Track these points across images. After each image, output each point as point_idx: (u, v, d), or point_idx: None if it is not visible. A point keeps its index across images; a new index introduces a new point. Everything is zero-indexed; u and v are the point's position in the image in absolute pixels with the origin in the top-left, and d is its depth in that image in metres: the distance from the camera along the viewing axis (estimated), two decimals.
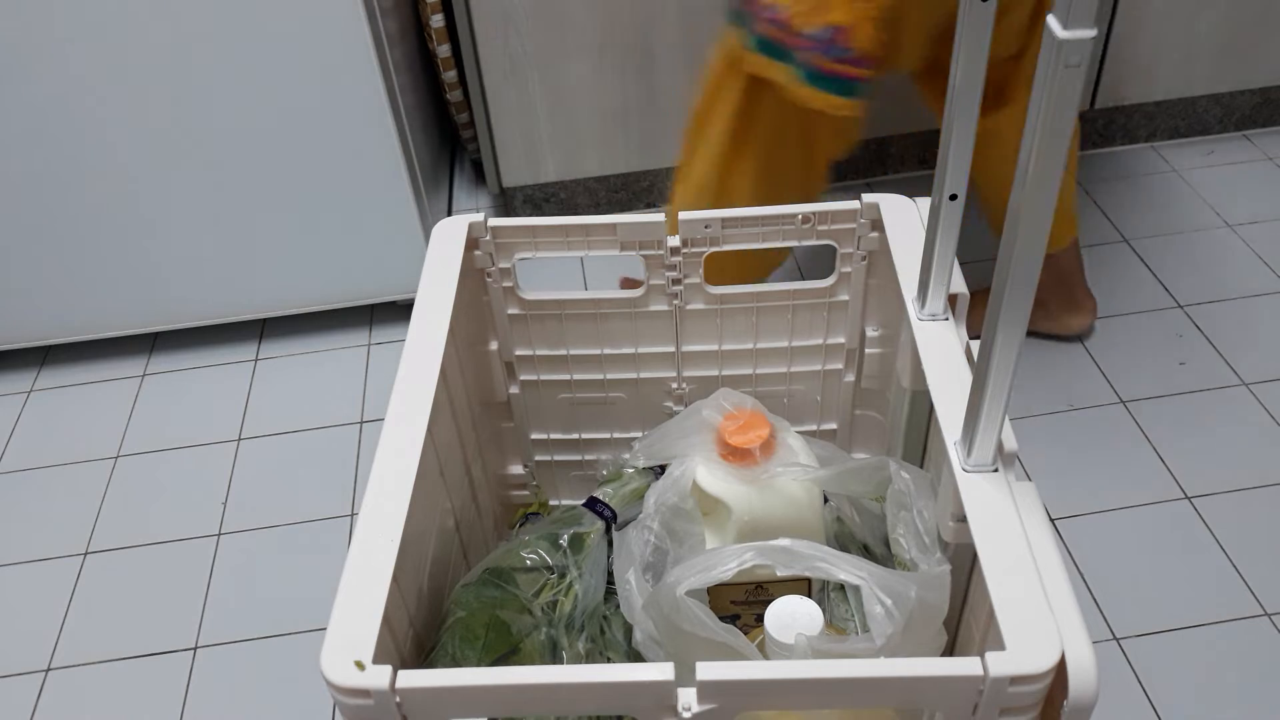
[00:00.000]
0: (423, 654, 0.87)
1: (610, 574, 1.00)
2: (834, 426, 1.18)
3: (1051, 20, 0.55)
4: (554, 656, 0.93)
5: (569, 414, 1.18)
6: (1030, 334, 0.91)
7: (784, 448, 0.99)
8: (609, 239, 1.05)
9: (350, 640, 0.69)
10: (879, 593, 0.78)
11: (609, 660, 0.96)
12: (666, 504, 0.97)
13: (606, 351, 1.13)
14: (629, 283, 1.43)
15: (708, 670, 0.65)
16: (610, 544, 1.02)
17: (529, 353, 1.13)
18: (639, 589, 0.93)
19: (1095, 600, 1.30)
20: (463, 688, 0.68)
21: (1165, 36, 1.93)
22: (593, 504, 1.05)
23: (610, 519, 1.03)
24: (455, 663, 0.86)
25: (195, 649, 1.37)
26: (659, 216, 1.04)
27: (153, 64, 1.51)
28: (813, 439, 1.06)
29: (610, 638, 0.98)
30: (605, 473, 1.13)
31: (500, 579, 0.95)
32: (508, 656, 0.89)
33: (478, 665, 0.86)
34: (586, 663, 0.93)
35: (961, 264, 0.91)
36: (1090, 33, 0.54)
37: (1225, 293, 1.71)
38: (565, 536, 1.00)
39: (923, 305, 0.92)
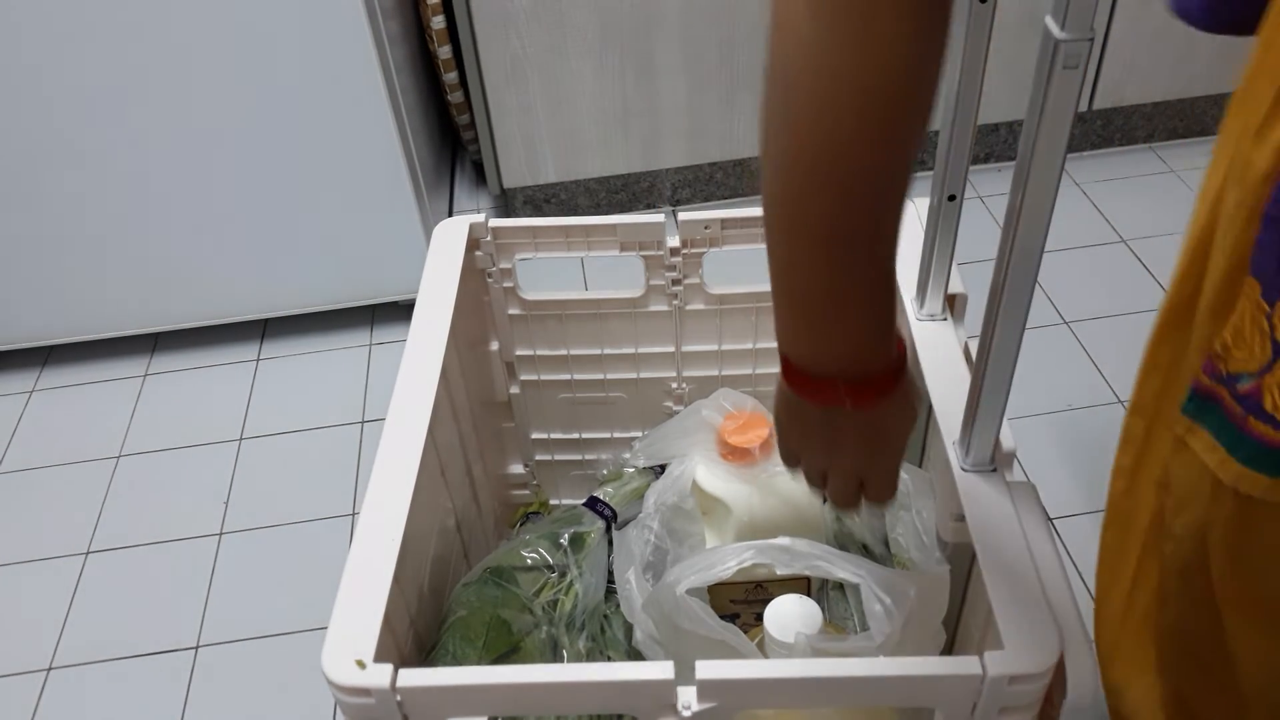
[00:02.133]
0: (423, 653, 0.87)
1: (611, 573, 1.01)
2: None
3: (1049, 21, 0.55)
4: (554, 655, 0.93)
5: (569, 414, 1.18)
6: None
7: None
8: (609, 239, 1.06)
9: (351, 639, 0.70)
10: (878, 591, 0.78)
11: (609, 659, 0.96)
12: (666, 504, 0.97)
13: (607, 351, 1.13)
14: None
15: (707, 669, 0.65)
16: (611, 543, 1.03)
17: (529, 353, 1.14)
18: (639, 588, 0.93)
19: (1095, 600, 1.30)
20: (463, 686, 0.68)
21: (1165, 36, 1.94)
22: (593, 503, 1.05)
23: (610, 518, 1.04)
24: (456, 661, 0.86)
25: (195, 649, 1.38)
26: (659, 217, 1.05)
27: (153, 64, 1.51)
28: None
29: (611, 637, 0.98)
30: (605, 472, 1.13)
31: (501, 578, 0.95)
32: (508, 655, 0.89)
33: (478, 664, 0.86)
34: (587, 662, 0.93)
35: (959, 265, 0.91)
36: (1088, 35, 0.54)
37: None
38: (566, 536, 1.00)
39: (921, 305, 0.92)
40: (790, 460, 0.70)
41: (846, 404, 0.61)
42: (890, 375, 0.61)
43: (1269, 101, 0.59)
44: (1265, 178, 0.64)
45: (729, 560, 0.82)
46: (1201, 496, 0.74)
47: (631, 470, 1.09)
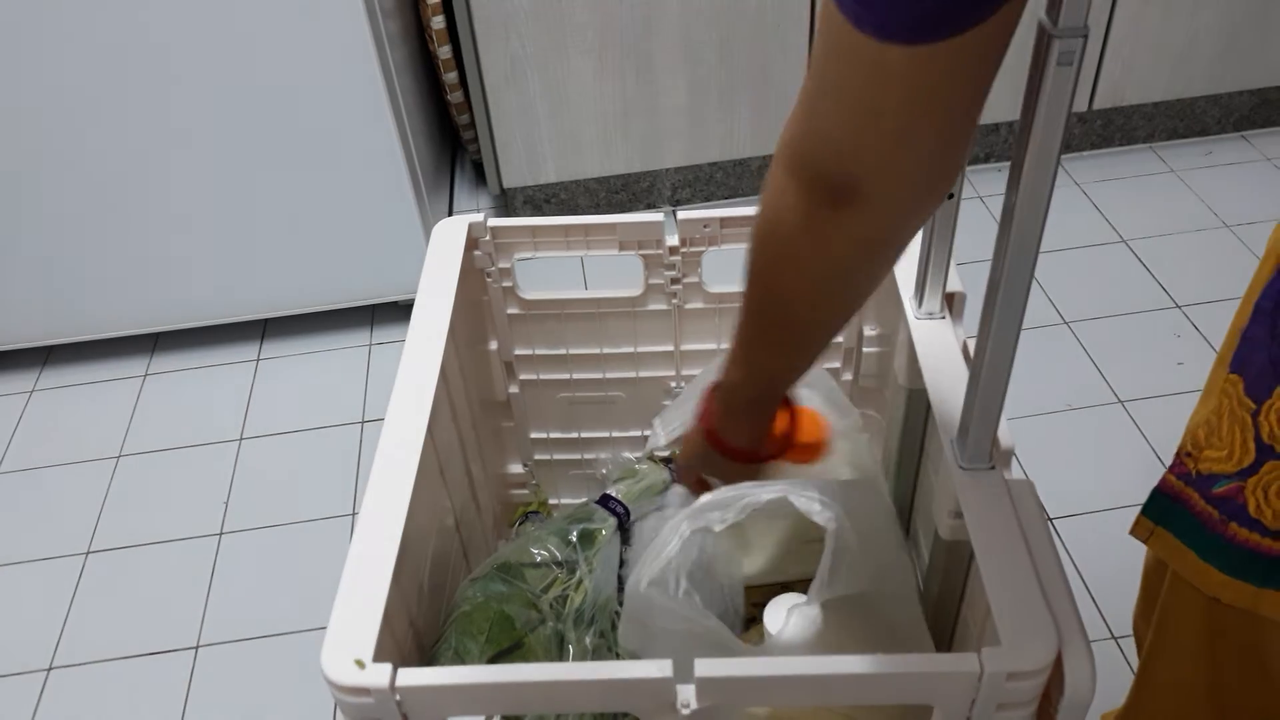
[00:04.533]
0: (423, 653, 0.87)
1: (622, 567, 1.01)
2: None
3: (1043, 18, 0.55)
4: (560, 651, 0.93)
5: (568, 413, 1.18)
6: None
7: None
8: (609, 239, 1.06)
9: (351, 639, 0.70)
10: (807, 492, 0.80)
11: (617, 656, 0.96)
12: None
13: (606, 351, 1.13)
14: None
15: (706, 667, 0.65)
16: (623, 540, 1.03)
17: (529, 352, 1.14)
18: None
19: (1093, 599, 1.31)
20: (462, 686, 0.68)
21: (1165, 36, 1.94)
22: (605, 501, 1.05)
23: (623, 515, 1.04)
24: (457, 656, 0.86)
25: (195, 649, 1.38)
26: (658, 216, 1.05)
27: (153, 64, 1.51)
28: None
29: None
30: (605, 472, 1.13)
31: (508, 574, 0.95)
32: (510, 651, 0.89)
33: (479, 659, 0.86)
34: (594, 658, 0.93)
35: (959, 264, 0.91)
36: (1082, 31, 0.54)
37: (1224, 293, 1.71)
38: (575, 532, 1.00)
39: (920, 304, 0.92)
40: (687, 475, 0.92)
41: (707, 437, 0.83)
42: (738, 450, 0.83)
43: None
44: (1262, 264, 0.63)
45: (671, 540, 0.83)
46: (1167, 596, 0.73)
47: (644, 466, 1.09)
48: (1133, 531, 0.73)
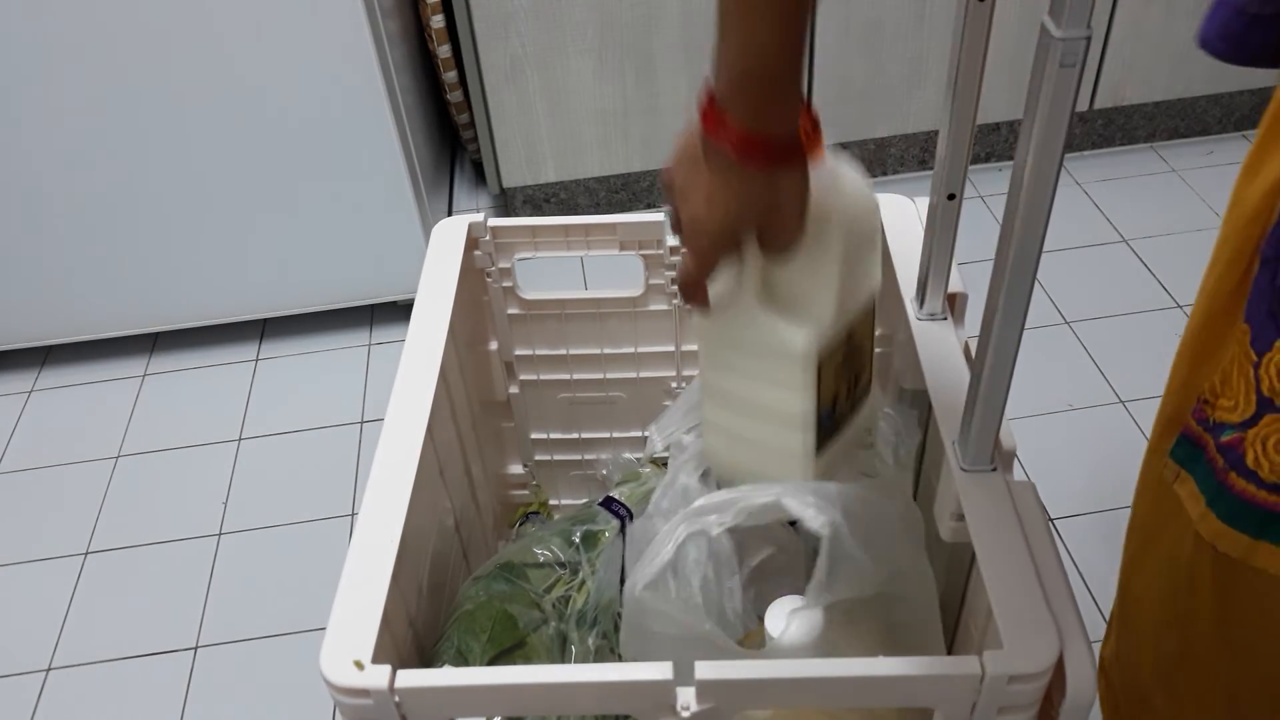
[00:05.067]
0: (422, 654, 0.87)
1: (624, 569, 1.01)
2: None
3: (1046, 20, 0.55)
4: (563, 652, 0.93)
5: (569, 413, 1.18)
6: None
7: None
8: (609, 239, 1.06)
9: (350, 640, 0.69)
10: (802, 496, 0.77)
11: (619, 657, 0.96)
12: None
13: (606, 351, 1.13)
14: None
15: (706, 669, 0.65)
16: (625, 542, 1.03)
17: (529, 352, 1.14)
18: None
19: (1094, 600, 1.30)
20: (461, 687, 0.68)
21: (1165, 36, 1.93)
22: (608, 503, 1.05)
23: (626, 518, 1.04)
24: (459, 654, 0.86)
25: (195, 649, 1.37)
26: (659, 216, 1.04)
27: (153, 64, 1.51)
28: None
29: None
30: (605, 473, 1.13)
31: (511, 574, 0.95)
32: (513, 650, 0.89)
33: (481, 658, 0.86)
34: (596, 659, 0.93)
35: (960, 264, 0.91)
36: (1085, 33, 0.54)
37: None
38: (578, 533, 1.01)
39: (921, 305, 0.92)
40: (674, 223, 0.73)
41: (745, 154, 0.63)
42: (787, 146, 0.63)
43: (1262, 132, 0.59)
44: (1253, 217, 0.62)
45: (667, 544, 0.82)
46: (1183, 547, 0.71)
47: (647, 470, 1.09)
48: (1161, 475, 0.72)
